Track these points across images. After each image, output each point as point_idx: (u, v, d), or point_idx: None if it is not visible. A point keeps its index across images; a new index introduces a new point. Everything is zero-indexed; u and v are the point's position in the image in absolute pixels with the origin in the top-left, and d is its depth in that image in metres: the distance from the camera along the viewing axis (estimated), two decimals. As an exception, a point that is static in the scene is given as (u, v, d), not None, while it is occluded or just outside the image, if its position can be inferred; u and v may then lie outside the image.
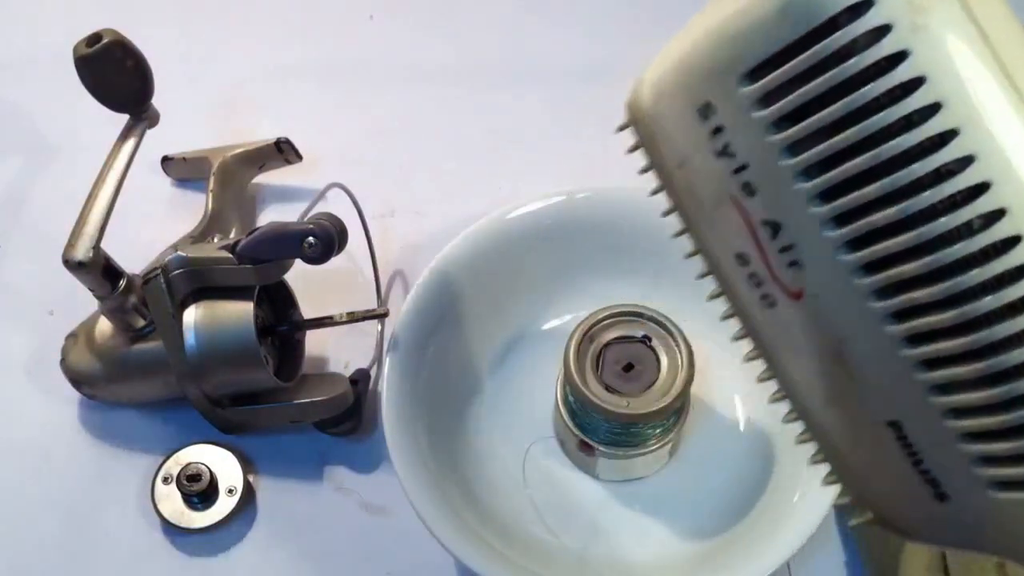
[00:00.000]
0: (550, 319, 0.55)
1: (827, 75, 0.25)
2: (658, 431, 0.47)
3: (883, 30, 0.24)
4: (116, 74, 0.45)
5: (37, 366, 0.55)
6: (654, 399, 0.45)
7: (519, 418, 0.52)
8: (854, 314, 0.27)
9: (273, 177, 0.62)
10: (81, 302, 0.51)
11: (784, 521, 0.45)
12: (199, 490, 0.50)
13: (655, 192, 0.33)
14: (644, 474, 0.51)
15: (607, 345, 0.46)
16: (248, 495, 0.52)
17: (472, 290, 0.52)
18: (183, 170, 0.61)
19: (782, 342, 0.30)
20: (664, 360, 0.46)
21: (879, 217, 0.25)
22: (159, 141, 0.54)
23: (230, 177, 0.58)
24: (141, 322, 0.50)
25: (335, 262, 0.45)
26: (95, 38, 0.45)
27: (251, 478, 0.52)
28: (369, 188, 0.58)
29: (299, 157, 0.60)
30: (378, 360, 0.55)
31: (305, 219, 0.46)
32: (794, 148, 0.26)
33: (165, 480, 0.51)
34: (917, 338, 0.26)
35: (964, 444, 0.27)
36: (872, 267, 0.26)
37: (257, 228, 0.47)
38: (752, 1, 0.26)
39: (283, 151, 0.59)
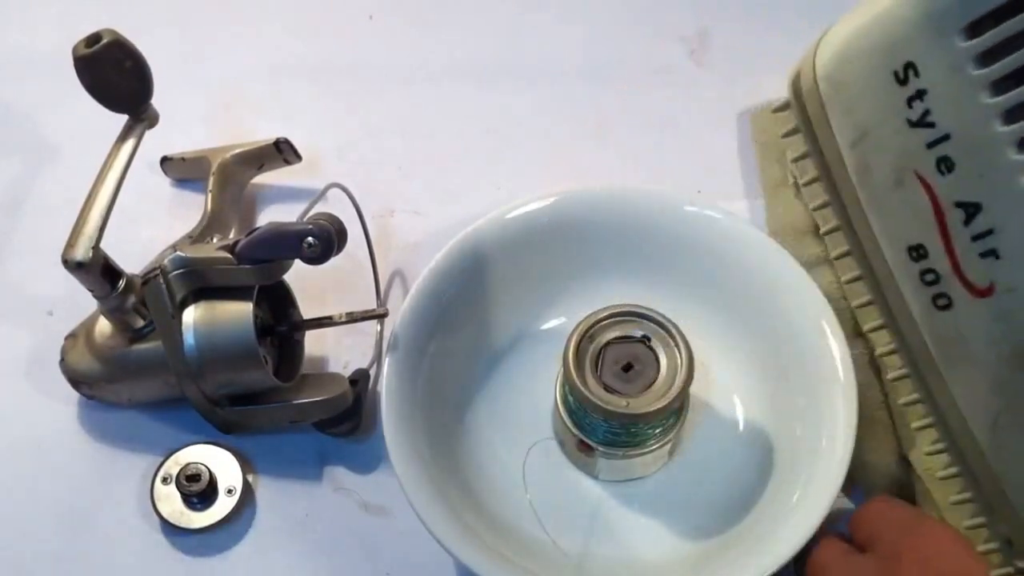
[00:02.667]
0: (549, 319, 0.55)
1: None
2: (658, 431, 0.47)
3: None
4: (115, 74, 0.45)
5: (36, 366, 0.55)
6: (653, 399, 0.45)
7: (518, 418, 0.52)
8: None
9: (272, 177, 0.62)
10: (81, 302, 0.51)
11: (784, 521, 0.45)
12: (198, 490, 0.50)
13: (808, 183, 0.27)
14: (644, 474, 0.51)
15: (606, 345, 0.46)
16: (247, 495, 0.52)
17: (471, 290, 0.52)
18: (182, 170, 0.61)
19: (951, 352, 0.26)
20: (663, 360, 0.46)
21: None
22: (159, 141, 0.54)
23: (229, 177, 0.58)
24: (140, 322, 0.50)
25: (334, 262, 0.45)
26: (94, 38, 0.45)
27: (250, 478, 0.52)
28: (368, 188, 0.58)
29: (298, 157, 0.60)
30: (377, 360, 0.55)
31: (304, 219, 0.46)
32: (1015, 113, 0.22)
33: (164, 480, 0.51)
34: None
35: None
36: None
37: (256, 228, 0.47)
38: None
39: (282, 151, 0.59)
